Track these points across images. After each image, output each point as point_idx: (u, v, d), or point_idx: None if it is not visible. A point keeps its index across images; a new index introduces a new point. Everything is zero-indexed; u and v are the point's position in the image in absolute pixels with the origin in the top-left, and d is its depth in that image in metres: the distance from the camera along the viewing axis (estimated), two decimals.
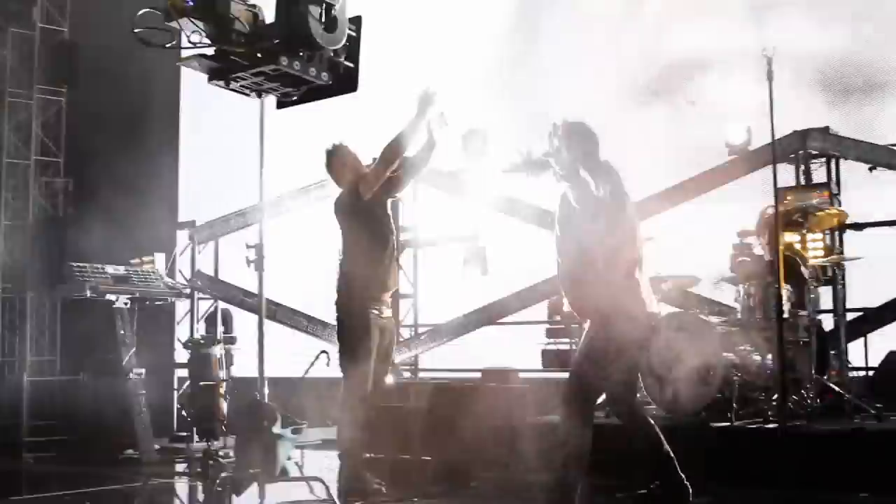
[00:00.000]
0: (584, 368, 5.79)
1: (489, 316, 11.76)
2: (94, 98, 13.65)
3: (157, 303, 10.25)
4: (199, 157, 15.10)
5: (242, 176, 6.50)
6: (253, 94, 5.21)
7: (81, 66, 13.41)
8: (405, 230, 12.29)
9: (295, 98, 5.32)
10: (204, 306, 13.20)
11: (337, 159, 6.97)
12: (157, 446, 9.30)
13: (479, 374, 8.95)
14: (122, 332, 9.20)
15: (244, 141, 6.41)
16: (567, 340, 11.25)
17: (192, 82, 14.67)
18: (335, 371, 7.55)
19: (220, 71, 5.16)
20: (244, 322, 11.88)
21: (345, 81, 5.32)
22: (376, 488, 6.65)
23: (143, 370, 9.16)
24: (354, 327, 6.71)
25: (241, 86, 5.16)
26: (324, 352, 7.32)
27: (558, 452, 5.72)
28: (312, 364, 7.25)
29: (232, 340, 12.41)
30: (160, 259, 11.18)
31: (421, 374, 12.15)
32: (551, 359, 11.51)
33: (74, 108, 13.52)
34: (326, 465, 8.12)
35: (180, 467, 8.69)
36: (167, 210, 14.74)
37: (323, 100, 5.42)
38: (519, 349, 11.78)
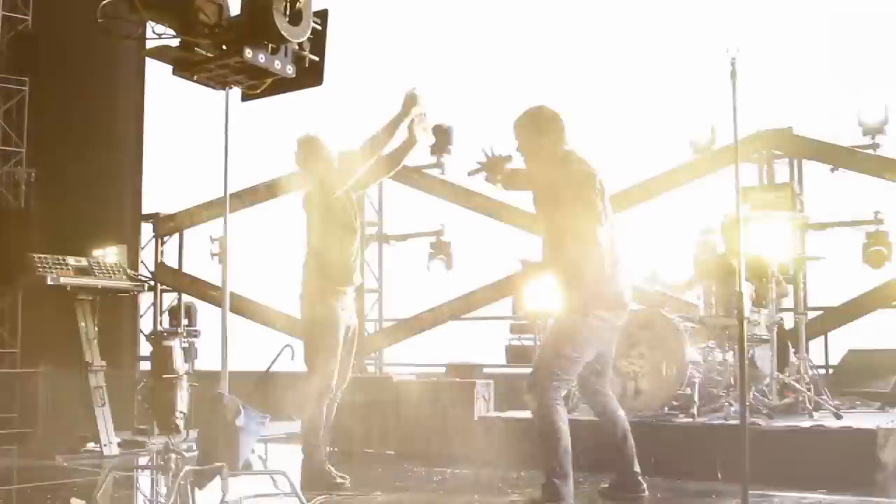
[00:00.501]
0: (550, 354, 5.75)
1: (453, 311, 11.77)
2: (59, 88, 13.52)
3: (119, 295, 10.17)
4: (165, 149, 15.02)
5: (209, 168, 6.46)
6: (218, 86, 5.18)
7: (45, 56, 13.27)
8: (371, 224, 12.29)
9: (260, 91, 5.29)
10: (169, 299, 13.15)
11: (308, 150, 6.92)
12: (118, 440, 9.22)
13: (443, 369, 8.97)
14: (84, 324, 9.12)
15: (211, 133, 6.38)
16: (531, 336, 11.30)
17: (158, 74, 14.62)
18: (300, 365, 7.55)
19: (185, 63, 5.13)
20: (211, 315, 11.86)
21: (310, 75, 5.30)
22: (339, 482, 6.65)
23: (104, 363, 9.08)
24: (319, 321, 6.70)
25: (205, 78, 5.13)
26: (288, 345, 7.28)
27: (542, 446, 5.64)
28: (277, 358, 7.22)
29: (196, 334, 12.38)
30: (123, 251, 11.11)
31: (386, 369, 12.14)
32: (516, 354, 11.55)
33: (38, 99, 13.37)
34: (291, 459, 8.12)
35: (142, 461, 8.63)
36: (131, 202, 14.64)
37: (288, 93, 5.39)
38: (484, 345, 11.83)
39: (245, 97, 5.35)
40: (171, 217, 13.25)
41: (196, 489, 5.80)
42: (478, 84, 12.64)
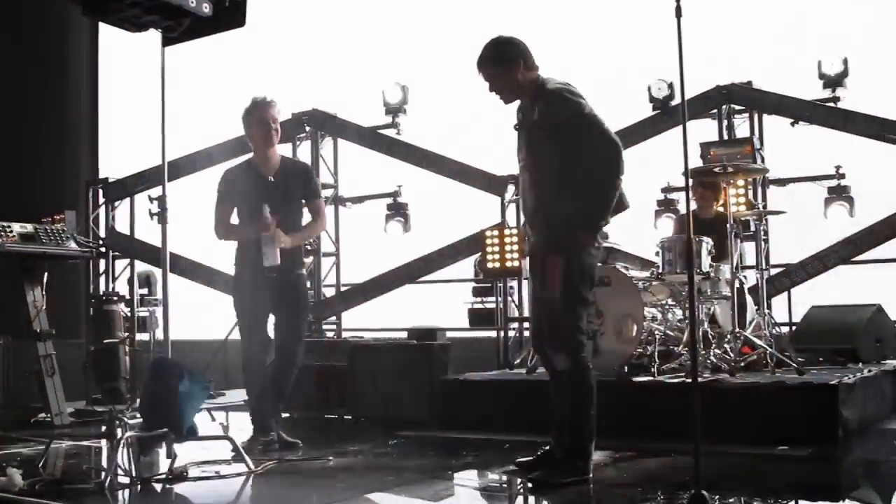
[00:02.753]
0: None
1: (412, 273, 11.60)
2: (7, 50, 13.26)
3: (70, 262, 9.93)
4: (119, 112, 14.78)
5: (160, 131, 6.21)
6: (133, 28, 4.92)
7: None
8: (326, 187, 12.09)
9: (179, 34, 5.01)
10: (121, 266, 12.91)
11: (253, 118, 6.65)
12: (71, 409, 9.01)
13: (404, 334, 8.82)
14: (31, 292, 8.88)
15: (169, 95, 6.13)
16: (492, 299, 11.18)
17: (112, 37, 14.37)
18: None
19: (95, 2, 4.84)
20: (177, 284, 11.60)
21: (231, 15, 5.02)
22: (291, 441, 6.51)
23: (52, 330, 8.83)
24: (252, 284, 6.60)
25: (118, 19, 4.86)
26: None
27: (578, 409, 5.28)
28: (235, 326, 7.05)
29: (156, 303, 12.17)
30: (73, 217, 10.85)
31: (345, 334, 11.97)
32: (478, 317, 11.44)
33: None
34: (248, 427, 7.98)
35: (93, 430, 8.44)
36: (81, 167, 14.42)
37: (210, 35, 5.12)
38: (446, 308, 11.71)
39: (166, 41, 5.09)
40: (120, 182, 12.95)
41: (141, 456, 5.63)
42: (433, 42, 12.44)
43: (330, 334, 11.93)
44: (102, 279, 12.84)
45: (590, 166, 5.14)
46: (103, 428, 6.30)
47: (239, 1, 5.09)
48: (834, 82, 9.93)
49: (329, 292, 12.24)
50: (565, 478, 5.09)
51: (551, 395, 5.49)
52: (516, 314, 10.95)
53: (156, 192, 11.78)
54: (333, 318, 12.15)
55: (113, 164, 14.20)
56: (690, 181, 7.70)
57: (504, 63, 5.37)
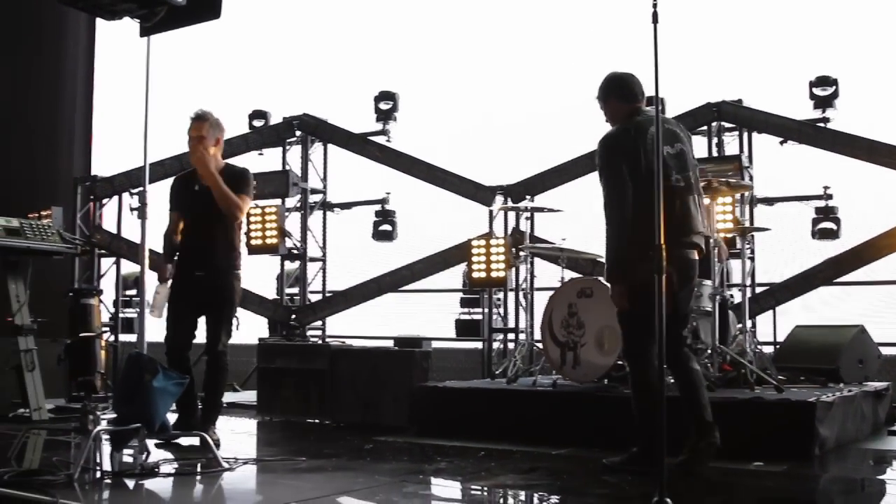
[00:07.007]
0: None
1: (397, 281, 11.58)
2: (3, 47, 13.27)
3: (55, 257, 9.90)
4: (114, 110, 14.78)
5: (157, 131, 6.26)
6: (107, 15, 4.89)
7: None
8: (315, 192, 12.09)
9: (154, 23, 4.97)
10: (107, 264, 12.88)
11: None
12: (51, 405, 8.98)
13: (391, 343, 8.82)
14: (14, 286, 8.85)
15: (164, 94, 6.23)
16: (479, 311, 11.16)
17: (108, 34, 14.41)
18: (243, 336, 7.43)
19: None
20: None
21: (207, 6, 5.00)
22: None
23: (34, 325, 8.80)
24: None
25: (92, 5, 4.84)
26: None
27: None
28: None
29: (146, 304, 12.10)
30: (59, 213, 10.84)
31: (329, 341, 11.94)
32: (465, 328, 11.43)
33: None
34: (230, 427, 7.97)
35: (71, 425, 8.41)
36: (74, 165, 14.41)
37: (186, 26, 5.10)
38: (436, 318, 11.72)
39: (144, 31, 5.07)
40: (108, 180, 12.92)
41: (114, 451, 5.62)
42: (425, 50, 12.45)
43: (314, 340, 11.89)
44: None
45: None
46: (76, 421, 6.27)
47: None
48: (824, 103, 9.95)
49: (315, 298, 12.21)
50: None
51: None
52: (501, 325, 10.92)
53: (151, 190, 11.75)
54: (319, 324, 12.11)
55: (108, 162, 14.20)
56: None
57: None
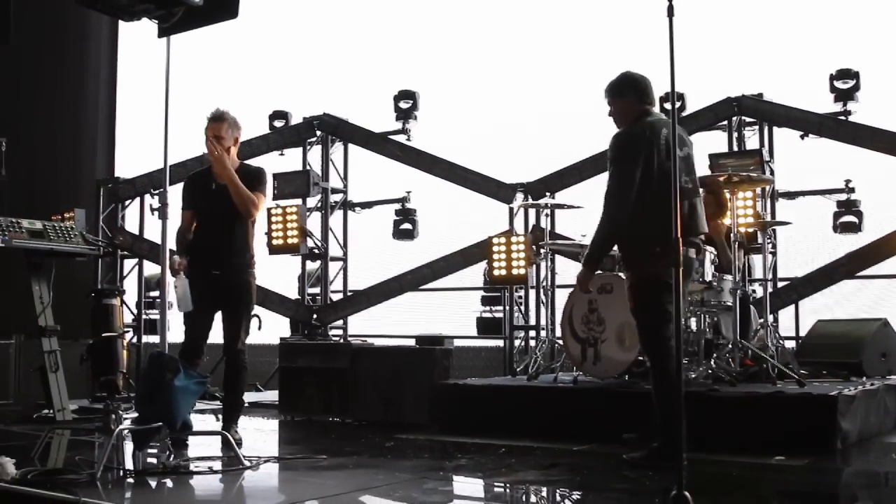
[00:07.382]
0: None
1: (418, 279, 11.58)
2: (28, 51, 13.33)
3: (78, 259, 9.97)
4: (138, 112, 14.84)
5: (179, 132, 6.34)
6: (126, 16, 4.92)
7: (15, 22, 13.06)
8: (336, 191, 12.12)
9: (173, 23, 5.00)
10: (130, 265, 12.95)
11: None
12: (75, 406, 9.04)
13: (412, 342, 8.85)
14: (38, 287, 8.91)
15: (179, 96, 6.27)
16: (500, 308, 11.17)
17: (131, 37, 14.48)
18: (265, 336, 7.45)
19: None
20: None
21: (224, 6, 5.02)
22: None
23: (57, 326, 8.85)
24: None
25: (111, 7, 4.87)
26: (255, 315, 7.18)
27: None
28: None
29: (169, 306, 12.17)
30: (82, 215, 10.90)
31: (351, 340, 11.96)
32: (487, 326, 11.44)
33: (7, 65, 13.16)
34: (253, 426, 8.01)
35: (94, 425, 8.46)
36: (97, 167, 14.48)
37: (203, 26, 5.13)
38: (457, 316, 11.73)
39: (162, 32, 5.10)
40: (130, 182, 12.98)
41: (137, 450, 5.66)
42: (445, 49, 12.47)
43: (336, 339, 11.92)
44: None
45: None
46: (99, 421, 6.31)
47: None
48: (845, 96, 9.89)
49: (337, 297, 12.23)
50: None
51: None
52: (522, 322, 10.92)
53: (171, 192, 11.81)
54: (340, 323, 12.14)
55: (130, 164, 14.26)
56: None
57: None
